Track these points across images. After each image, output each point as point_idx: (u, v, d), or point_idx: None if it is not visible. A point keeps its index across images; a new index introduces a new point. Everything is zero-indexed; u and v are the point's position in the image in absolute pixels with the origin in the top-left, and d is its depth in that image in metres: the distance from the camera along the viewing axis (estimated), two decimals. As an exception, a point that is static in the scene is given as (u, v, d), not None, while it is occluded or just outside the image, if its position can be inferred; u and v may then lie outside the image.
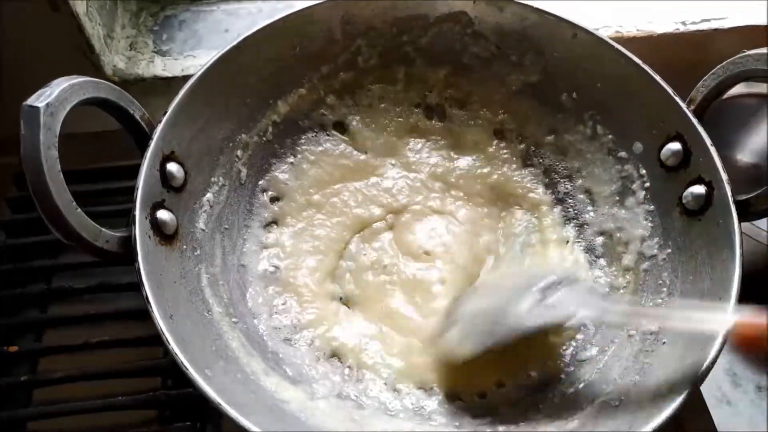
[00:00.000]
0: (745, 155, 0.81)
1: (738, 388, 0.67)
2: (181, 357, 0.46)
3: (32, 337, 0.66)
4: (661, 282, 0.59)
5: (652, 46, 0.81)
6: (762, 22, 0.80)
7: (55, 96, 0.45)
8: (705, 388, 0.48)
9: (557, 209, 0.70)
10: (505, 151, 0.73)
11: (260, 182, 0.68)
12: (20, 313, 0.68)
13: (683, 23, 0.82)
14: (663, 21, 0.82)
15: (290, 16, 0.64)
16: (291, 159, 0.70)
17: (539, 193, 0.71)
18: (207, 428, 0.60)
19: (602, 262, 0.65)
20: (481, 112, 0.73)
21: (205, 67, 0.59)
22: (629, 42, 0.79)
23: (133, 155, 0.57)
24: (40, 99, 0.45)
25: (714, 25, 0.81)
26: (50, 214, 0.46)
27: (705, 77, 0.58)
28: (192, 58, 0.80)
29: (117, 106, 0.52)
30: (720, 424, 0.63)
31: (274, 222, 0.68)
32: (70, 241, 0.48)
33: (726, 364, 0.69)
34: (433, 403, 0.58)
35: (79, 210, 0.47)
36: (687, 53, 0.82)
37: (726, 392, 0.67)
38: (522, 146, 0.72)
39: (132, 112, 0.54)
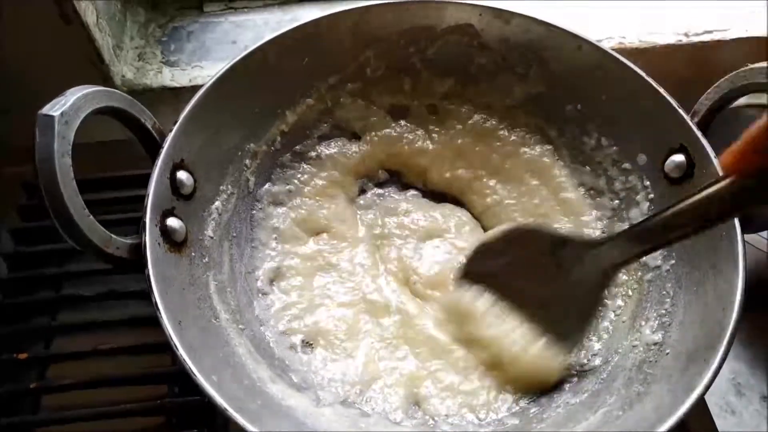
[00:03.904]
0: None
1: (743, 398, 0.67)
2: (190, 363, 0.47)
3: (41, 343, 0.67)
4: (665, 293, 0.59)
5: (654, 57, 0.82)
6: (764, 33, 0.81)
7: (69, 105, 0.46)
8: (710, 398, 0.47)
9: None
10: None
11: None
12: (30, 320, 0.68)
13: (685, 35, 0.82)
14: (665, 32, 0.82)
15: (299, 28, 0.65)
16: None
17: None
18: (213, 435, 0.61)
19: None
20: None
21: (215, 77, 0.60)
22: (632, 53, 0.79)
23: (140, 165, 0.58)
24: (54, 108, 0.46)
25: (716, 36, 0.82)
26: (63, 220, 0.46)
27: (709, 90, 0.59)
28: (199, 68, 0.81)
29: (129, 115, 0.53)
30: (725, 432, 0.63)
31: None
32: (82, 247, 0.48)
33: (730, 374, 0.69)
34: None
35: (91, 217, 0.48)
36: (689, 64, 0.83)
37: (730, 402, 0.67)
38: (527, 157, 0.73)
39: (143, 121, 0.55)
